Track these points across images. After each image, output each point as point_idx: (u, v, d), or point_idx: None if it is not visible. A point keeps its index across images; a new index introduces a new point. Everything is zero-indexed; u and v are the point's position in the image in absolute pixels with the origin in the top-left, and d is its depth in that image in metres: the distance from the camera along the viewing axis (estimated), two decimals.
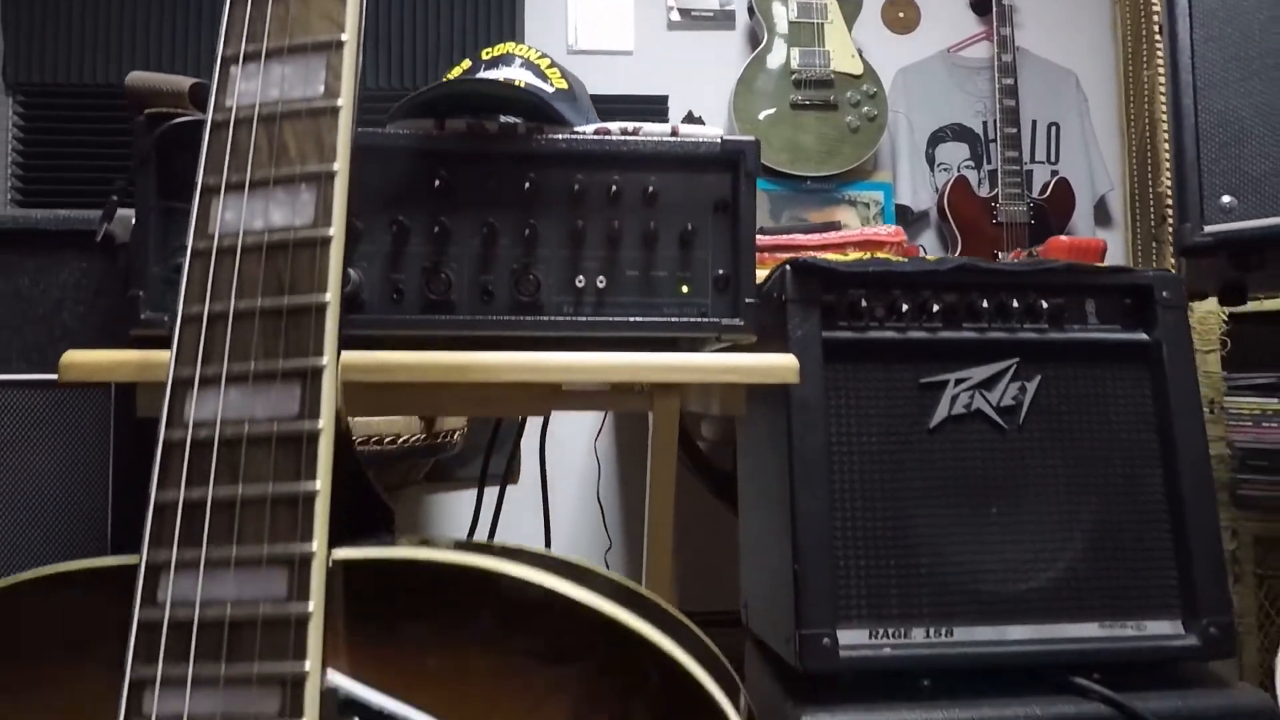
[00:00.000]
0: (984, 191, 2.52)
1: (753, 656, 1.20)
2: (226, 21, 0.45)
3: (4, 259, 1.06)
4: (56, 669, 0.43)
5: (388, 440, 1.52)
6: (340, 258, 0.42)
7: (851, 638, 0.98)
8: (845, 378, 1.04)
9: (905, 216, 2.57)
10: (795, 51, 2.47)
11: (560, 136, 0.93)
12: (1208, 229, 1.11)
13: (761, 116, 2.45)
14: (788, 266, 1.06)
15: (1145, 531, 1.04)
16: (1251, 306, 1.82)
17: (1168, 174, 2.30)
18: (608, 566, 2.27)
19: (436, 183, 0.90)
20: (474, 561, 0.42)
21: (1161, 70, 2.33)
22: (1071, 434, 1.06)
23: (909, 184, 2.57)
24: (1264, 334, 1.90)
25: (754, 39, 2.61)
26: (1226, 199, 1.09)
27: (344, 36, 0.45)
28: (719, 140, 0.94)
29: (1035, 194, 2.53)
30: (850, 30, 2.52)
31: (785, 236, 1.76)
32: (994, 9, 2.58)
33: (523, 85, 0.99)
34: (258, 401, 0.40)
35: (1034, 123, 2.60)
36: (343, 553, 0.42)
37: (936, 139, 2.61)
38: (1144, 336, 1.08)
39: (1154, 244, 2.44)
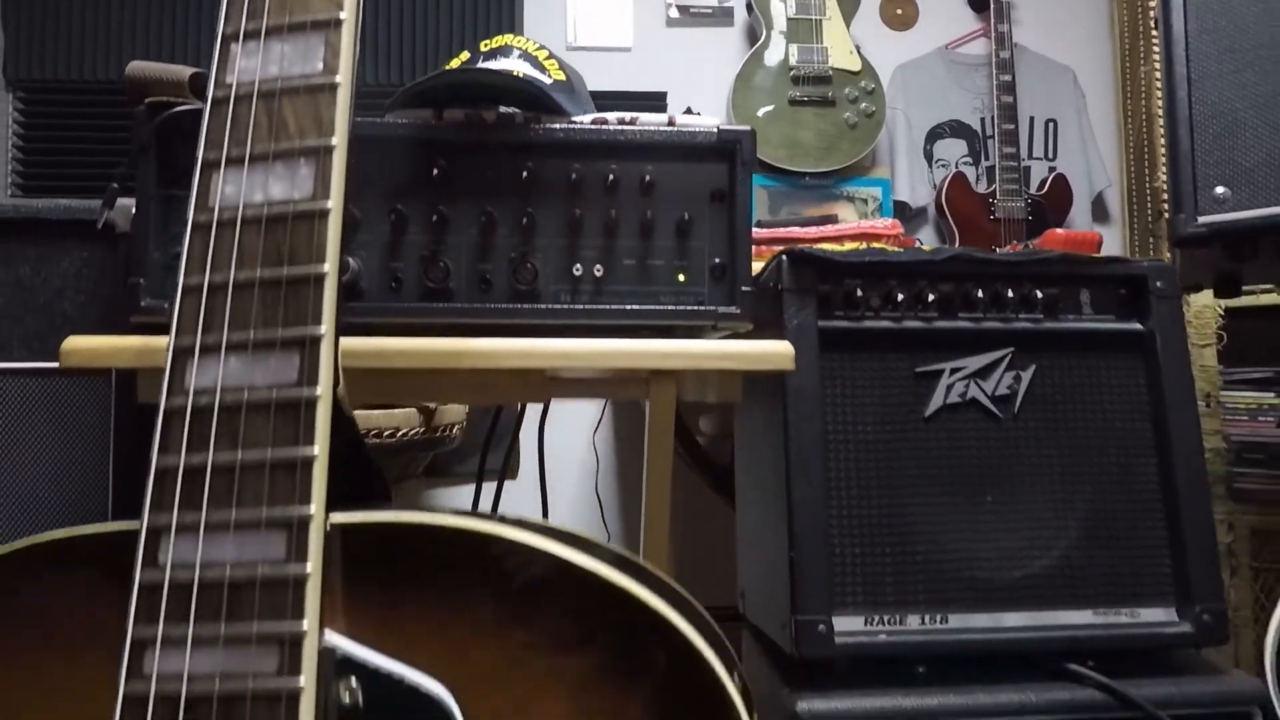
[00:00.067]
0: (982, 188, 2.53)
1: (750, 645, 1.20)
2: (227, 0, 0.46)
3: (5, 248, 1.06)
4: (58, 633, 0.44)
5: (386, 433, 1.53)
6: (339, 229, 0.42)
7: (847, 624, 0.99)
8: (841, 367, 1.05)
9: (903, 213, 2.57)
10: (794, 48, 2.48)
11: (558, 126, 0.93)
12: (1202, 220, 1.11)
13: (760, 113, 2.45)
14: (784, 256, 1.07)
15: (1139, 519, 1.05)
16: (1248, 301, 1.83)
17: (1164, 170, 2.31)
18: None
19: (435, 172, 0.90)
20: (472, 525, 0.42)
21: (1158, 66, 2.34)
22: (1066, 423, 1.06)
23: (907, 180, 2.58)
24: (1260, 329, 1.91)
25: (752, 35, 2.61)
26: (1220, 190, 1.10)
27: (342, 15, 0.45)
28: (715, 130, 0.95)
29: (1033, 190, 2.53)
30: (848, 26, 2.53)
31: (782, 229, 1.77)
32: (992, 6, 2.58)
33: (521, 76, 0.99)
34: (257, 369, 0.41)
35: (1032, 119, 2.61)
36: (340, 517, 0.42)
37: (934, 135, 2.62)
38: (1138, 326, 1.09)
39: (1151, 239, 2.44)
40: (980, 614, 1.01)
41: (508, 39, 1.11)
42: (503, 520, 0.43)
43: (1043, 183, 2.55)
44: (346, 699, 0.40)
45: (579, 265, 0.92)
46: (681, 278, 0.93)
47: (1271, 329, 1.91)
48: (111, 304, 1.05)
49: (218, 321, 0.42)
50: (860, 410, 1.04)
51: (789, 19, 2.50)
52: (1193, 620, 1.01)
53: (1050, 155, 2.61)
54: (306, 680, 0.39)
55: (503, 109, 0.95)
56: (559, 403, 1.69)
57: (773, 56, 2.49)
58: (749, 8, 2.58)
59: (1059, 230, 2.14)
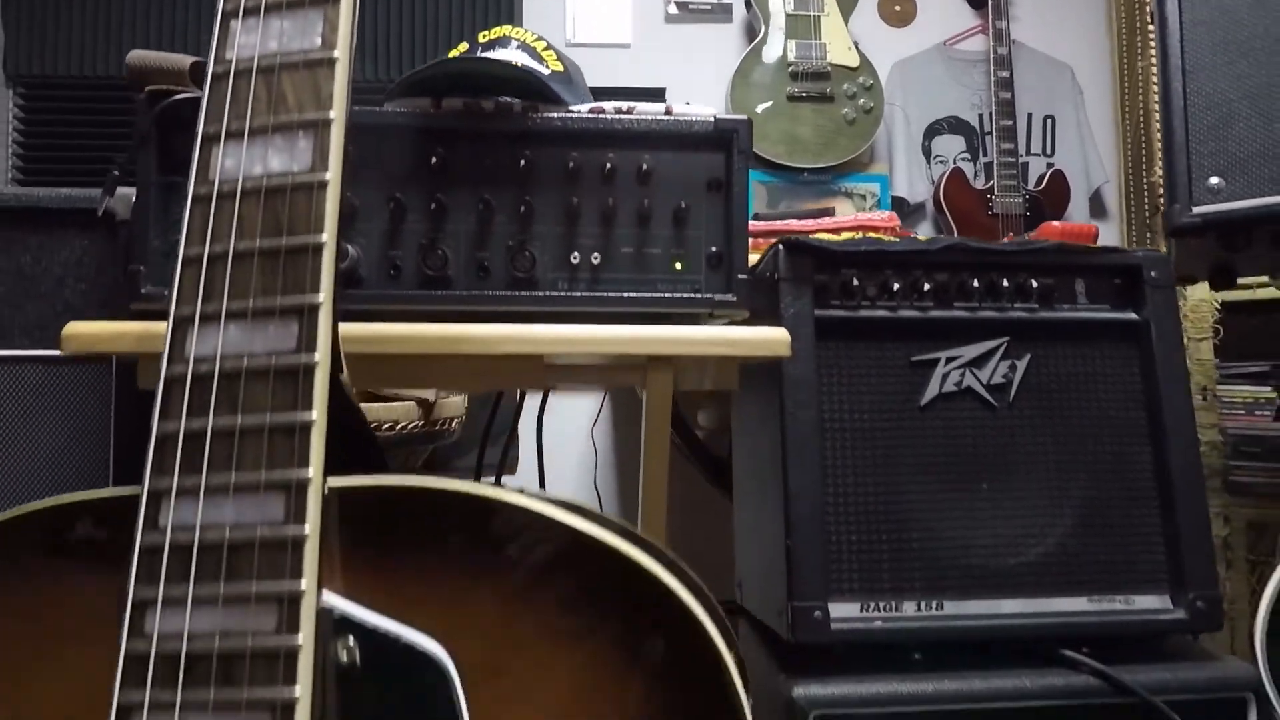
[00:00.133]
0: (980, 184, 2.54)
1: (747, 633, 1.21)
2: None
3: (6, 236, 1.07)
4: (60, 597, 0.45)
5: (385, 427, 1.53)
6: (336, 200, 0.43)
7: (843, 611, 0.99)
8: (837, 355, 1.06)
9: (901, 208, 2.58)
10: (792, 44, 2.49)
11: (555, 115, 0.94)
12: (1196, 210, 1.12)
13: (759, 109, 2.46)
14: (780, 245, 1.07)
15: (1134, 507, 1.05)
16: (1244, 296, 1.84)
17: (1161, 165, 2.31)
18: None
19: (433, 160, 0.91)
20: (469, 488, 0.43)
21: (1155, 62, 2.35)
22: (1061, 412, 1.07)
23: (905, 176, 2.58)
24: (1256, 323, 1.92)
25: (751, 32, 2.62)
26: (1214, 180, 1.11)
27: None
28: (712, 119, 0.95)
29: (1031, 186, 2.54)
30: (847, 23, 2.53)
31: (779, 222, 1.77)
32: (990, 2, 2.59)
33: (519, 66, 1.00)
34: (256, 337, 0.42)
35: (1030, 115, 2.61)
36: (338, 481, 0.43)
37: (932, 131, 2.63)
38: (1133, 316, 1.10)
39: (1148, 235, 2.45)
40: (976, 601, 1.01)
41: (506, 30, 1.12)
42: (502, 489, 0.43)
43: (1040, 179, 2.56)
44: (344, 657, 0.41)
45: (576, 253, 0.92)
46: (678, 266, 0.94)
47: (1268, 323, 1.92)
48: (112, 291, 1.06)
49: (217, 291, 0.42)
50: (856, 399, 1.05)
51: (787, 15, 2.51)
52: (1187, 607, 1.01)
53: (1048, 151, 2.62)
54: (304, 638, 0.40)
55: (501, 98, 0.96)
56: (557, 396, 1.69)
57: (771, 52, 2.50)
58: (747, 4, 2.59)
59: (1055, 223, 2.14)
